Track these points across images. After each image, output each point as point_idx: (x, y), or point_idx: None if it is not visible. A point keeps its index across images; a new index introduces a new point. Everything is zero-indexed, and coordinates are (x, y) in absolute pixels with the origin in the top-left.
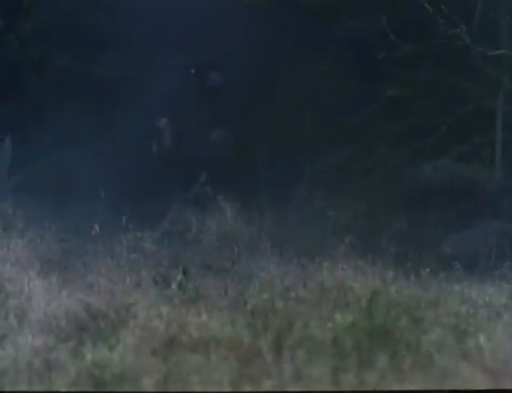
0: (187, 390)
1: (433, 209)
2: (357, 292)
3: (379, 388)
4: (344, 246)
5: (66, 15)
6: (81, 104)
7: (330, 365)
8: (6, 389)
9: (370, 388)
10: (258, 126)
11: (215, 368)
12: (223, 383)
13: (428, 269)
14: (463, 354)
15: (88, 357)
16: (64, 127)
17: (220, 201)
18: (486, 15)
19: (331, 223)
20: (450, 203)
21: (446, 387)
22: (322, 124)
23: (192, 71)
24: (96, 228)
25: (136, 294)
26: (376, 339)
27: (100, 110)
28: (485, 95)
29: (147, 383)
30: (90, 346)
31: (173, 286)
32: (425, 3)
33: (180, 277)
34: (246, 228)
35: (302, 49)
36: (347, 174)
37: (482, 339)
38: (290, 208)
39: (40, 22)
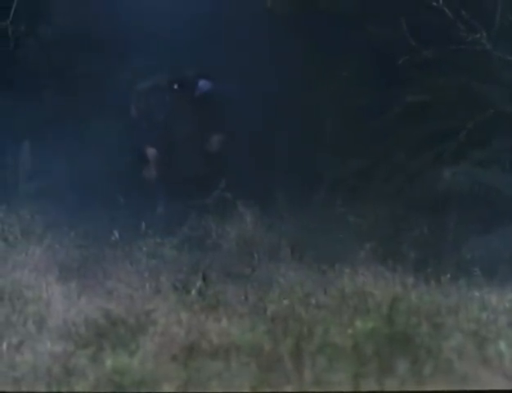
0: None
1: (453, 214)
2: (377, 298)
3: None
4: (365, 252)
5: (86, 20)
6: (101, 109)
7: (350, 371)
8: None
9: None
10: (278, 131)
11: (235, 374)
12: (243, 389)
13: (448, 275)
14: (483, 360)
15: (108, 363)
16: (83, 132)
17: (240, 207)
18: (506, 20)
19: (352, 228)
20: (470, 208)
21: None
22: (342, 129)
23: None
24: (116, 233)
25: (155, 300)
26: (397, 345)
27: (120, 116)
28: (505, 100)
29: (167, 389)
30: (109, 352)
31: (193, 292)
32: (446, 9)
33: (200, 283)
34: (266, 233)
35: (322, 54)
36: (367, 180)
37: (502, 345)
38: (311, 214)
39: (60, 27)
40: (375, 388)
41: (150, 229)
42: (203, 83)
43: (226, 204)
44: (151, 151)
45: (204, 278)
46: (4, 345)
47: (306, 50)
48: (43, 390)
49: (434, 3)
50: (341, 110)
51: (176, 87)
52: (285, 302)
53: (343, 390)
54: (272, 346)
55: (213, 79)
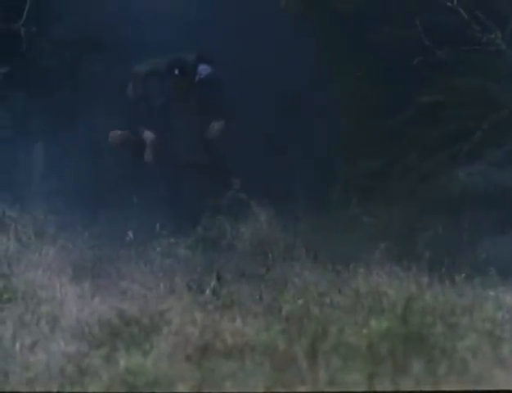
0: None
1: (468, 214)
2: (392, 298)
3: None
4: (379, 252)
5: (99, 21)
6: (114, 109)
7: (365, 371)
8: None
9: None
10: (292, 131)
11: (249, 374)
12: (258, 389)
13: (463, 275)
14: (498, 360)
15: (122, 363)
16: (97, 132)
17: (254, 207)
18: None
19: (366, 228)
20: (484, 208)
21: None
22: (357, 129)
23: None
24: (130, 234)
25: (169, 300)
26: (411, 345)
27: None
28: None
29: (181, 390)
30: (123, 353)
31: (207, 292)
32: (460, 9)
33: (214, 283)
34: (281, 233)
35: (336, 54)
36: (382, 180)
37: None
38: (325, 214)
39: (73, 28)
40: (390, 388)
41: (165, 230)
42: (203, 68)
43: (241, 204)
44: (149, 135)
45: (219, 278)
46: (17, 346)
47: (320, 49)
48: (57, 390)
49: (449, 3)
50: (355, 111)
51: (176, 72)
52: (300, 302)
53: (358, 390)
54: (287, 346)
55: (212, 63)
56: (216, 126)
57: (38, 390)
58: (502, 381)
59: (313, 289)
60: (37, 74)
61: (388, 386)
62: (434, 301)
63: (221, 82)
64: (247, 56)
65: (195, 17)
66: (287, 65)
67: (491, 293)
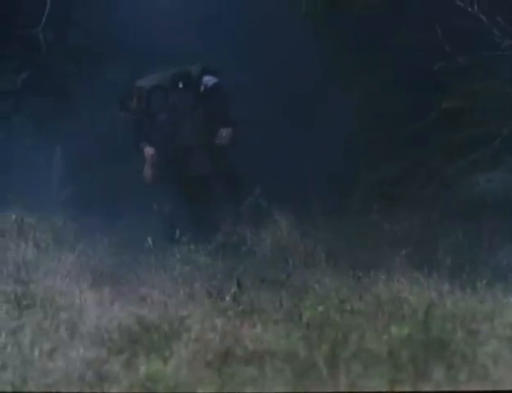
0: None
1: (489, 220)
2: (412, 305)
3: None
4: (400, 258)
5: (116, 27)
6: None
7: (385, 377)
8: None
9: None
10: (313, 137)
11: (270, 380)
12: None
13: (483, 281)
14: None
15: (142, 370)
16: (115, 139)
17: (275, 214)
18: None
19: (387, 235)
20: (505, 214)
21: None
22: (377, 135)
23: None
24: (149, 240)
25: (189, 306)
26: (432, 351)
27: None
28: None
29: None
30: (143, 359)
31: (228, 298)
32: (481, 14)
33: (234, 289)
34: (301, 240)
35: (357, 59)
36: (402, 186)
37: None
38: (346, 220)
39: (91, 34)
40: None
41: (184, 236)
42: (208, 79)
43: (261, 211)
44: (149, 151)
45: (239, 284)
46: (36, 352)
47: (340, 55)
48: None
49: (469, 9)
50: (376, 117)
51: (180, 85)
52: (320, 308)
53: None
54: (307, 353)
55: (217, 74)
56: (224, 132)
57: None
58: None
59: (334, 295)
60: (55, 80)
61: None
62: (455, 308)
63: (226, 92)
64: (266, 62)
65: (212, 23)
66: (307, 70)
67: None
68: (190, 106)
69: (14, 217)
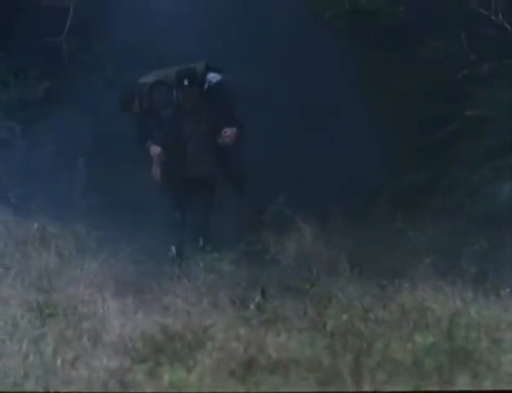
0: None
1: None
2: (436, 313)
3: None
4: (424, 267)
5: (140, 35)
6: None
7: (410, 386)
8: None
9: None
10: (338, 146)
11: (294, 389)
12: None
13: (507, 290)
14: None
15: (165, 378)
16: (138, 147)
17: (299, 222)
18: None
19: (411, 243)
20: None
21: None
22: (402, 143)
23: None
24: (173, 249)
25: (213, 315)
26: (456, 360)
27: None
28: None
29: None
30: (167, 368)
31: (252, 307)
32: (505, 23)
33: (258, 298)
34: (325, 248)
35: (381, 68)
36: (426, 194)
37: None
38: (370, 228)
39: (113, 42)
40: None
41: (208, 245)
42: (212, 76)
43: (285, 219)
44: (155, 150)
45: (263, 293)
46: (59, 361)
47: (364, 63)
48: None
49: (493, 17)
50: (400, 125)
51: (186, 83)
52: (345, 317)
53: None
54: (332, 361)
55: (221, 72)
56: (228, 132)
57: None
58: None
59: (358, 304)
60: (78, 89)
61: None
62: (479, 316)
63: (230, 90)
64: (291, 72)
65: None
66: (331, 79)
67: None
68: (194, 104)
69: (36, 225)
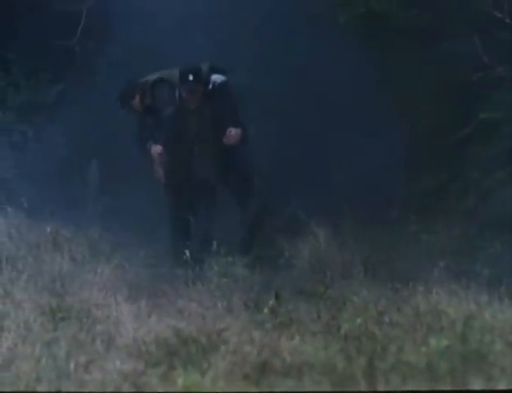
0: None
1: None
2: (451, 316)
3: None
4: (438, 270)
5: (152, 37)
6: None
7: (424, 389)
8: None
9: None
10: (350, 149)
11: (308, 392)
12: None
13: None
14: None
15: (179, 382)
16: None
17: (312, 226)
18: None
19: (425, 246)
20: None
21: None
22: (416, 146)
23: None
24: (187, 253)
25: (227, 319)
26: (471, 363)
27: None
28: None
29: None
30: (181, 371)
31: (265, 310)
32: None
33: (272, 301)
34: (339, 252)
35: (394, 71)
36: (440, 198)
37: None
38: (384, 232)
39: (127, 46)
40: None
41: (222, 248)
42: (216, 77)
43: (299, 222)
44: (157, 149)
45: (277, 297)
46: (72, 365)
47: (378, 66)
48: None
49: (507, 20)
50: (414, 128)
51: (191, 78)
52: (359, 320)
53: None
54: (346, 365)
55: (225, 73)
56: (233, 131)
57: None
58: None
59: (372, 307)
60: (90, 92)
61: None
62: (493, 319)
63: (234, 91)
64: (307, 73)
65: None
66: (345, 81)
67: None
68: (197, 102)
69: (49, 229)
